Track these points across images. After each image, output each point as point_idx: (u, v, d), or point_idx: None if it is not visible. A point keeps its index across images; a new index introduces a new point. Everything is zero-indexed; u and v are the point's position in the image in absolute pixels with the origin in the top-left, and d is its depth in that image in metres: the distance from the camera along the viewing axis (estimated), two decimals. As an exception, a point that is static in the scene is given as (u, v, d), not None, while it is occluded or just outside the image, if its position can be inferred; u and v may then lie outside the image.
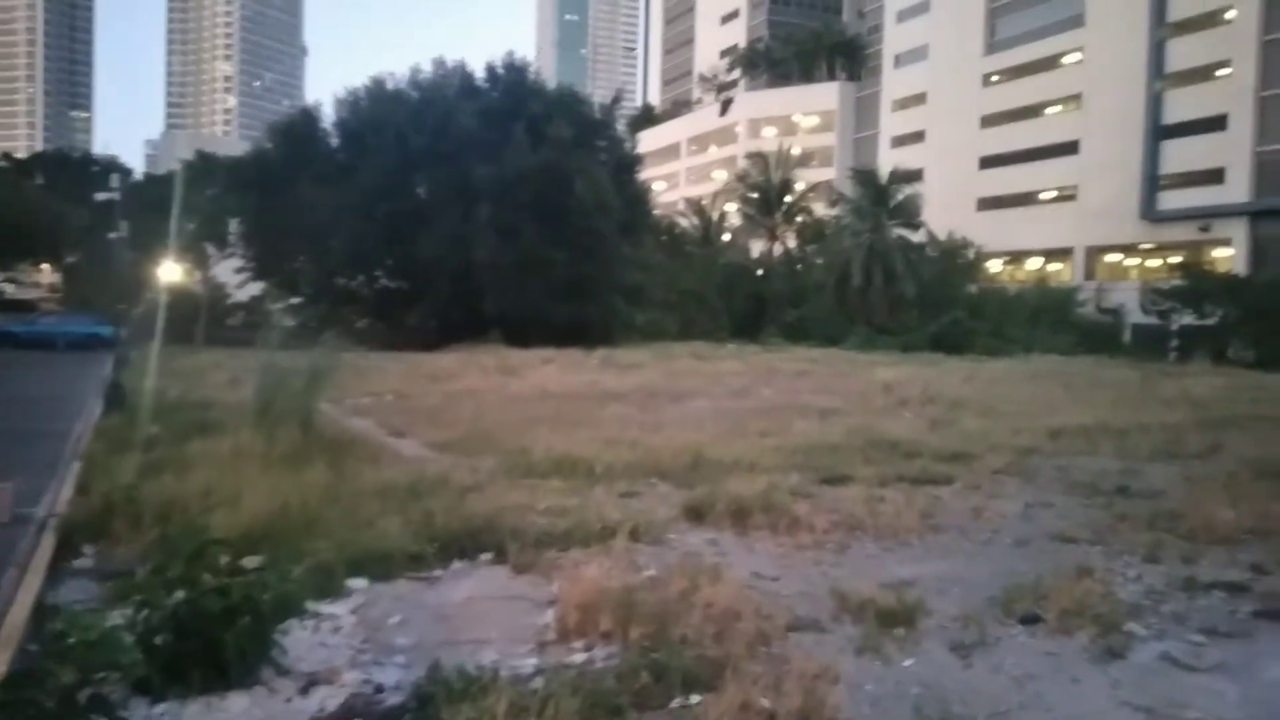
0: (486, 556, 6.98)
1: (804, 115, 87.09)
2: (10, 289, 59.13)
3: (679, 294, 44.93)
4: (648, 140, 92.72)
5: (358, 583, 6.26)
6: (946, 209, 56.58)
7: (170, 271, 39.89)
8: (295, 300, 42.62)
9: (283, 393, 12.09)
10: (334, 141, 42.10)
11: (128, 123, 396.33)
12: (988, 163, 66.30)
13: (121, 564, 6.40)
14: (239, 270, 45.28)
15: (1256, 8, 50.25)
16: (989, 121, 66.60)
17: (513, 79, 41.57)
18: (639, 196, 44.44)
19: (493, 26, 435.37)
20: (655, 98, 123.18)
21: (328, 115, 42.62)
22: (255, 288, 46.30)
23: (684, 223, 58.82)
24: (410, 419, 15.18)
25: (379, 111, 39.92)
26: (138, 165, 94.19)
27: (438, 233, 36.43)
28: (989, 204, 65.23)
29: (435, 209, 37.63)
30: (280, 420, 11.43)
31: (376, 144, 38.28)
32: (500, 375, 23.49)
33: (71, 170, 64.53)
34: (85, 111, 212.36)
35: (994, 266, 60.73)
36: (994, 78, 66.98)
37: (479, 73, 41.73)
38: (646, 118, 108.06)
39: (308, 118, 43.26)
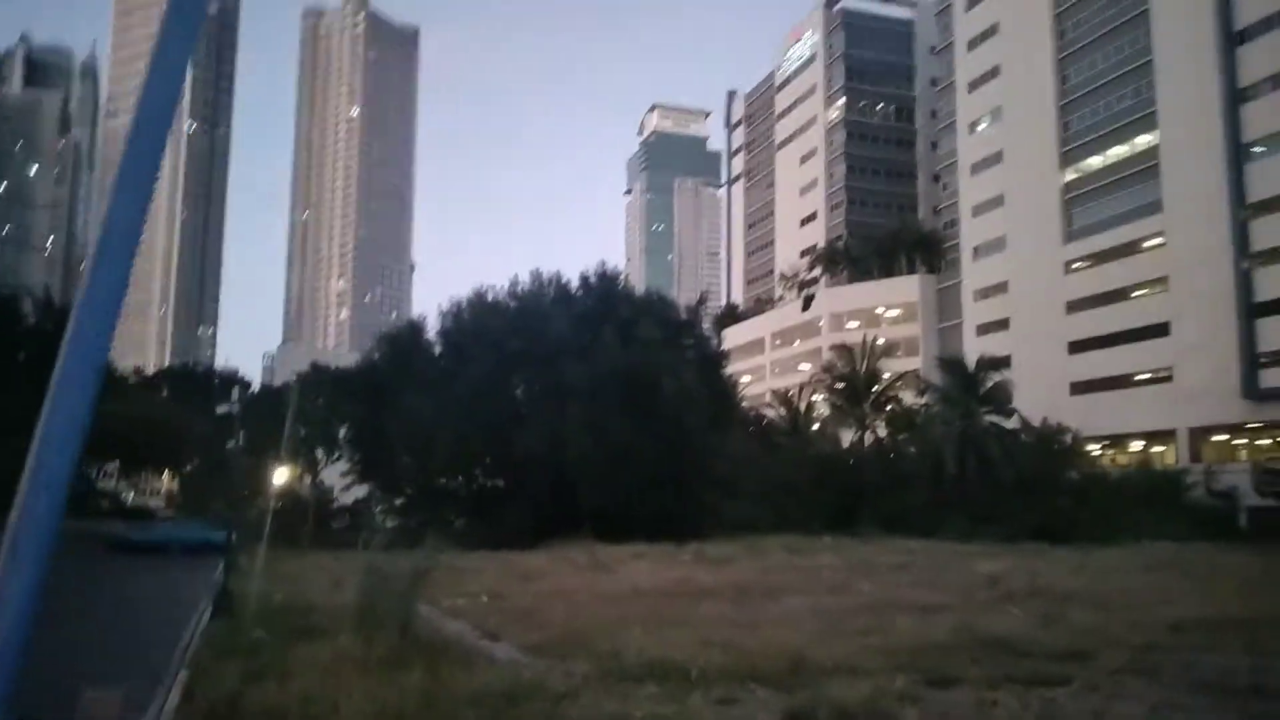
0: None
1: (886, 308, 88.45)
2: (131, 497, 62.32)
3: (770, 485, 44.64)
4: (733, 337, 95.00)
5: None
6: (1038, 394, 55.76)
7: (281, 477, 41.65)
8: (398, 501, 43.87)
9: (381, 596, 12.39)
10: (437, 349, 44.42)
11: (249, 337, 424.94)
12: (1077, 347, 65.65)
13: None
14: (345, 474, 47.05)
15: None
16: (1075, 307, 66.50)
17: (604, 286, 43.75)
18: (726, 390, 45.21)
19: (588, 238, 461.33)
20: (739, 296, 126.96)
21: (432, 325, 45.35)
22: (361, 490, 47.90)
23: (771, 414, 59.15)
24: (504, 620, 15.22)
25: (479, 320, 42.22)
26: (256, 377, 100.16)
27: (533, 431, 37.48)
28: (1082, 388, 64.05)
29: (531, 409, 38.94)
30: (379, 624, 11.68)
31: (477, 351, 40.24)
32: (592, 572, 23.42)
33: (195, 383, 69.05)
34: (210, 327, 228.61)
35: (1093, 450, 58.90)
36: (1075, 264, 67.36)
37: (573, 281, 44.12)
38: (731, 315, 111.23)
39: (413, 328, 45.98)
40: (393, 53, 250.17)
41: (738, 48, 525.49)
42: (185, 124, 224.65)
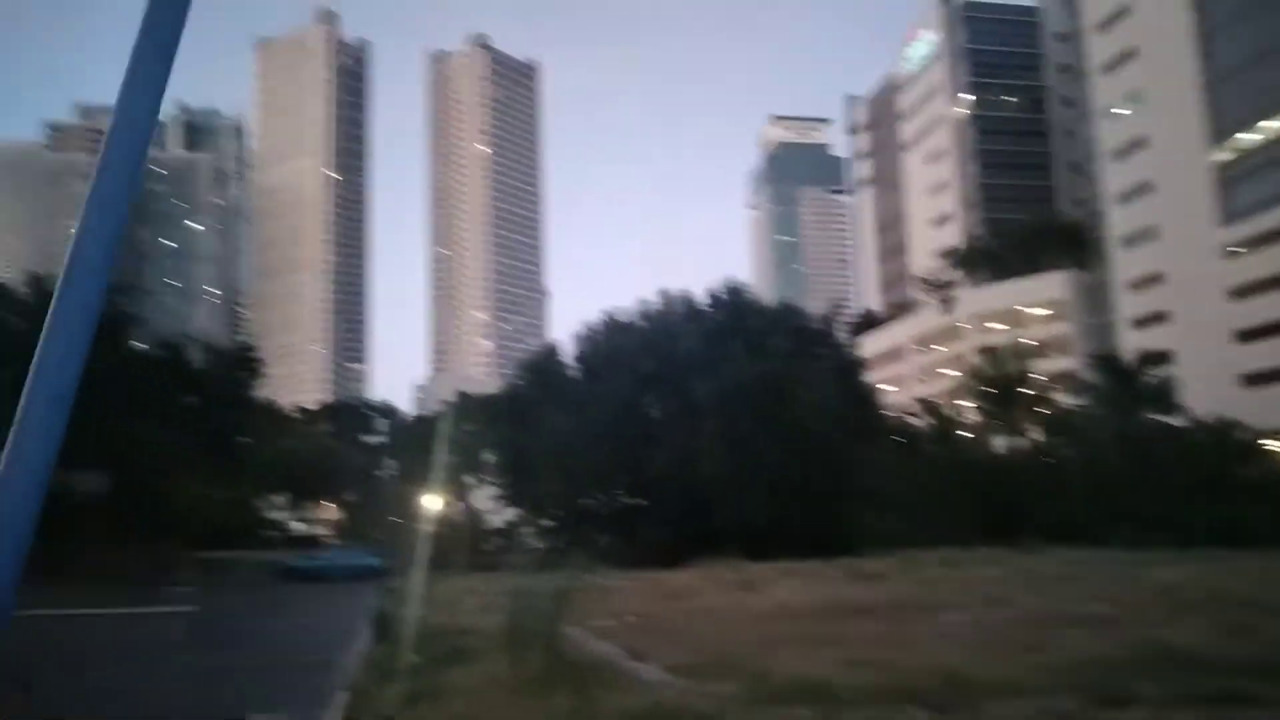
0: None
1: (1031, 307, 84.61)
2: (298, 526, 65.88)
3: (920, 497, 43.18)
4: (871, 344, 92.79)
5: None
6: (1203, 389, 52.03)
7: (434, 503, 43.24)
8: (545, 522, 44.78)
9: (529, 618, 12.56)
10: (574, 373, 45.29)
11: (398, 370, 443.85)
12: (1247, 336, 61.00)
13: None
14: (495, 498, 48.45)
15: None
16: (1239, 293, 61.86)
17: (732, 300, 43.65)
18: (866, 399, 44.23)
19: (713, 254, 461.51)
20: (873, 303, 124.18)
21: (569, 350, 46.33)
22: (511, 512, 49.18)
23: (917, 423, 57.33)
24: (650, 641, 15.14)
25: (612, 342, 42.83)
26: (406, 407, 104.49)
27: (667, 449, 37.59)
28: (1256, 380, 59.39)
29: (664, 428, 39.08)
30: (527, 645, 11.83)
31: (611, 372, 40.80)
32: (739, 591, 23.10)
33: (350, 417, 72.57)
34: (361, 363, 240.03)
35: (1271, 446, 54.37)
36: (1236, 248, 62.78)
37: (701, 298, 44.21)
38: (867, 323, 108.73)
39: (551, 353, 47.10)
40: (515, 89, 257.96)
41: (851, 52, 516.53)
42: (328, 173, 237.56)
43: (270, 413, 74.58)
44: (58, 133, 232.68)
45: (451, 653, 13.48)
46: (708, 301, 43.71)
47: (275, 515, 66.48)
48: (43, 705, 7.80)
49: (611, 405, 39.16)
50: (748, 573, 27.31)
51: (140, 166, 2.51)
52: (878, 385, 61.82)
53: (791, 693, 9.91)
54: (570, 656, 12.38)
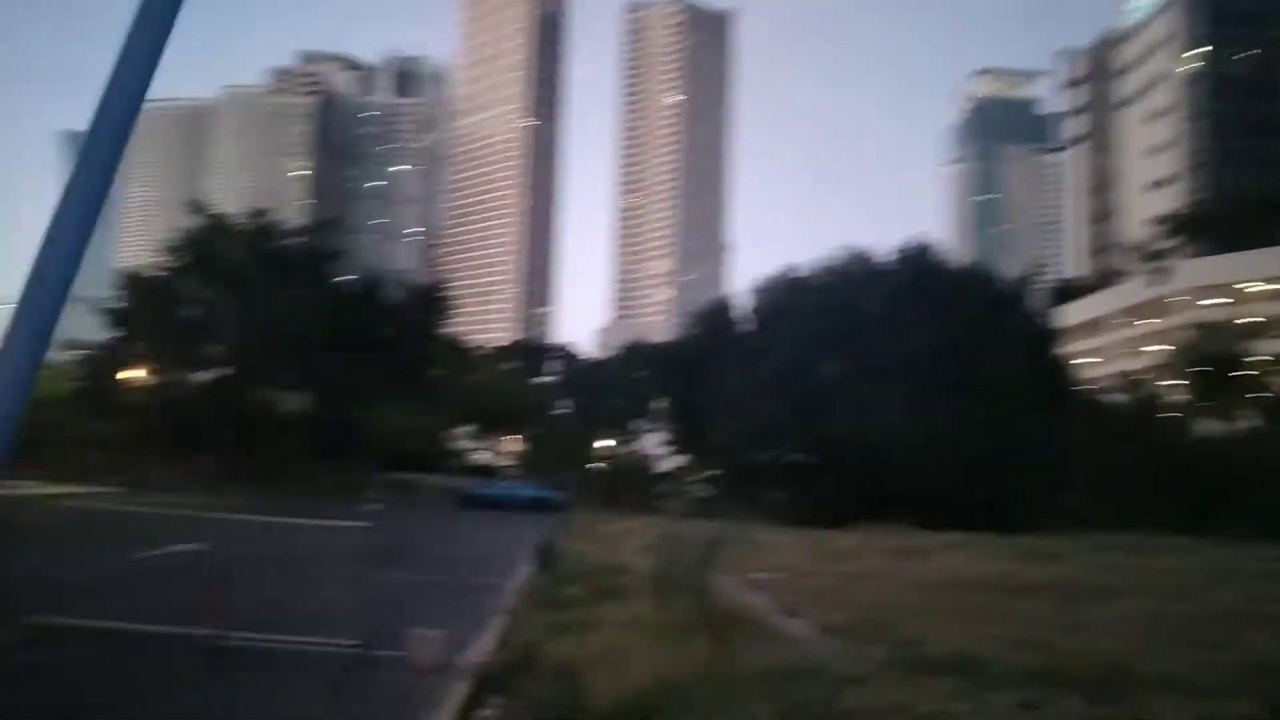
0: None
1: (1255, 282, 76.75)
2: (481, 457, 69.44)
3: (1112, 478, 40.55)
4: (1070, 314, 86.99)
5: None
6: None
7: (606, 444, 44.67)
8: (712, 472, 45.20)
9: (680, 564, 12.72)
10: (747, 327, 45.04)
11: (582, 314, 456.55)
12: None
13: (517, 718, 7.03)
14: (665, 444, 49.34)
15: None
16: None
17: (917, 260, 41.92)
18: (1058, 372, 41.69)
19: (905, 212, 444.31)
20: (1078, 270, 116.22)
21: (746, 304, 46.04)
22: (679, 459, 49.99)
23: (1115, 399, 53.65)
24: (805, 598, 15.06)
25: (788, 298, 42.19)
26: (587, 351, 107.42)
27: (843, 411, 36.89)
28: None
29: (839, 388, 38.29)
30: (676, 591, 12.00)
31: (785, 328, 40.28)
32: (903, 558, 22.57)
33: (534, 356, 75.39)
34: (548, 306, 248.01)
35: None
36: None
37: (884, 256, 42.70)
38: (1069, 290, 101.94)
39: (724, 306, 47.03)
40: (709, 38, 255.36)
41: (1066, 2, 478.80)
42: (524, 120, 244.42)
43: (460, 348, 78.56)
44: (280, 77, 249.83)
45: (605, 589, 13.89)
46: (890, 260, 42.23)
47: (461, 445, 70.33)
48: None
49: (784, 361, 38.71)
50: (916, 540, 26.65)
51: (128, 134, 2.59)
52: (1075, 357, 58.16)
53: (941, 664, 9.61)
54: (718, 605, 12.49)
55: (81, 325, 68.21)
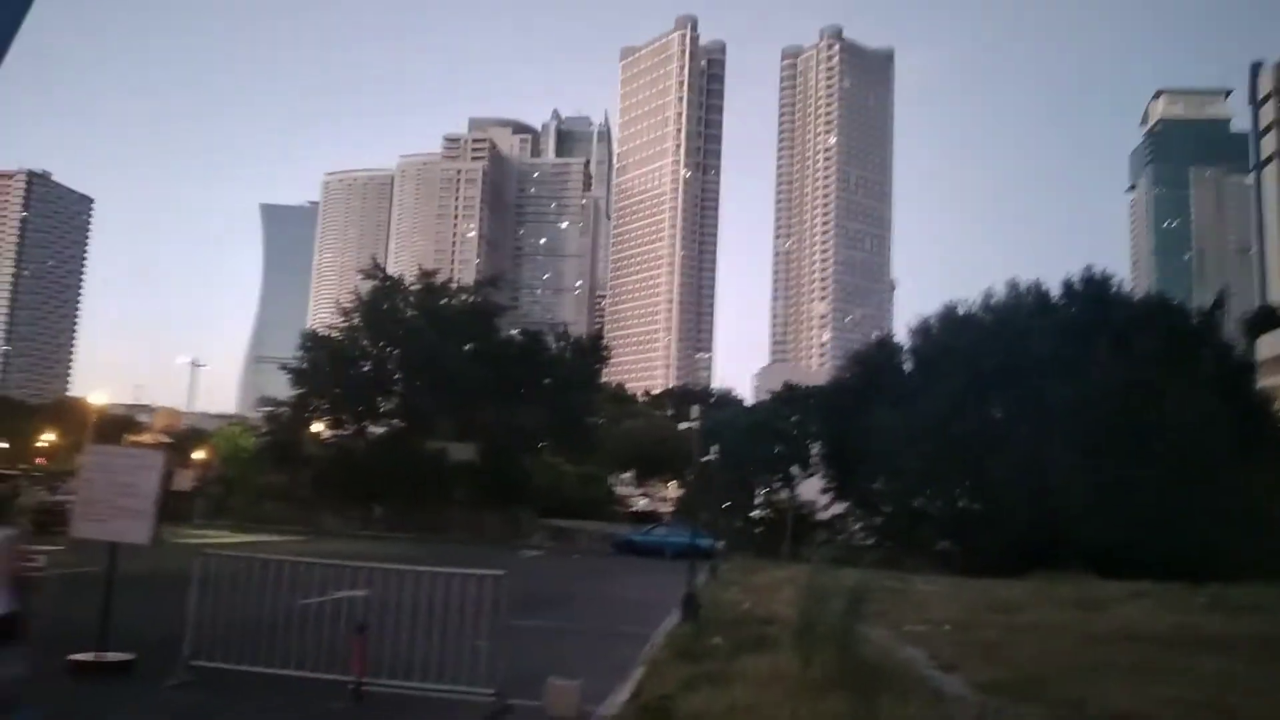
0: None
1: None
2: (642, 503, 69.96)
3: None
4: (1270, 345, 79.86)
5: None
6: None
7: (763, 490, 44.08)
8: (875, 520, 43.74)
9: (825, 615, 12.30)
10: (907, 368, 43.64)
11: (742, 359, 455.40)
12: None
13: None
14: (823, 490, 48.19)
15: None
16: None
17: (1092, 293, 39.60)
18: (1256, 409, 38.17)
19: (1083, 243, 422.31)
20: (1278, 296, 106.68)
21: (905, 343, 44.75)
22: (838, 506, 48.67)
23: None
24: (964, 652, 14.26)
25: (949, 336, 40.65)
26: (745, 395, 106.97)
27: (1011, 454, 35.01)
28: None
29: (1008, 430, 36.42)
30: (821, 643, 11.60)
31: (947, 368, 38.76)
32: (1077, 610, 21.03)
33: (691, 401, 75.69)
34: (707, 353, 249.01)
35: None
36: None
37: (1055, 289, 40.57)
38: (1267, 319, 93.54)
39: (883, 346, 45.84)
40: (867, 78, 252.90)
41: (1256, 16, 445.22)
42: (682, 172, 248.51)
43: (620, 396, 79.87)
44: (451, 143, 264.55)
45: (750, 640, 13.60)
46: (1061, 294, 40.00)
47: (620, 490, 71.10)
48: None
49: (947, 403, 37.18)
50: (1092, 590, 24.87)
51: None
52: (1277, 391, 53.20)
53: (1101, 728, 8.88)
54: (866, 659, 11.99)
55: (270, 383, 73.87)
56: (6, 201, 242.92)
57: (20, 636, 6.56)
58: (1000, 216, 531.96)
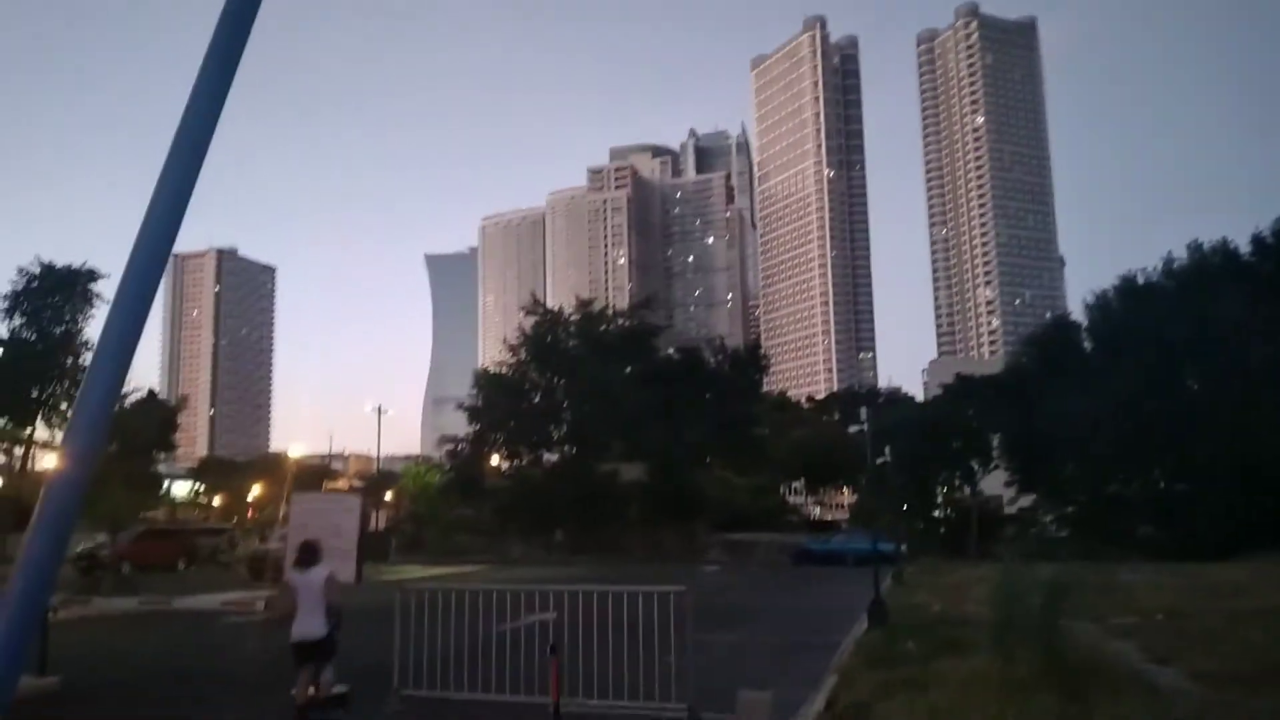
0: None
1: None
2: (815, 511, 68.96)
3: None
4: None
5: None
6: None
7: (943, 488, 42.59)
8: (1067, 509, 41.56)
9: (1024, 612, 11.80)
10: (1087, 346, 41.30)
11: (907, 355, 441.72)
12: None
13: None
14: (1008, 483, 46.13)
15: None
16: None
17: (1286, 246, 36.34)
18: None
19: (1270, 193, 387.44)
20: None
21: (1082, 321, 42.35)
22: (1026, 499, 46.46)
23: None
24: (1179, 643, 13.38)
25: (1131, 309, 38.21)
26: (917, 392, 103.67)
27: (1213, 428, 32.49)
28: None
29: (1208, 402, 33.82)
30: (1022, 641, 11.14)
31: (1131, 343, 36.41)
32: (1302, 592, 19.30)
33: (856, 404, 74.07)
34: (869, 352, 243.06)
35: None
36: None
37: (1243, 246, 37.40)
38: None
39: (1058, 327, 43.60)
40: (1010, 51, 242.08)
41: None
42: (825, 171, 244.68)
43: (783, 404, 79.02)
44: (595, 174, 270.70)
45: (945, 643, 13.21)
46: (1251, 249, 36.77)
47: (794, 500, 70.26)
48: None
49: (1134, 380, 34.85)
50: (1319, 570, 22.73)
51: (158, 275, 2.68)
52: None
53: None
54: (1071, 656, 11.42)
55: (450, 422, 77.26)
56: (201, 278, 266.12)
57: (334, 653, 9.30)
58: (1170, 176, 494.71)
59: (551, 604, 10.42)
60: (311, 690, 9.36)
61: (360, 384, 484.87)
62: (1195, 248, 38.65)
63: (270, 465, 77.89)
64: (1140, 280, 39.08)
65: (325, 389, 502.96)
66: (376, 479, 69.42)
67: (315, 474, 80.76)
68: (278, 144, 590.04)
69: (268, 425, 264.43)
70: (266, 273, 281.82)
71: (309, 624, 9.24)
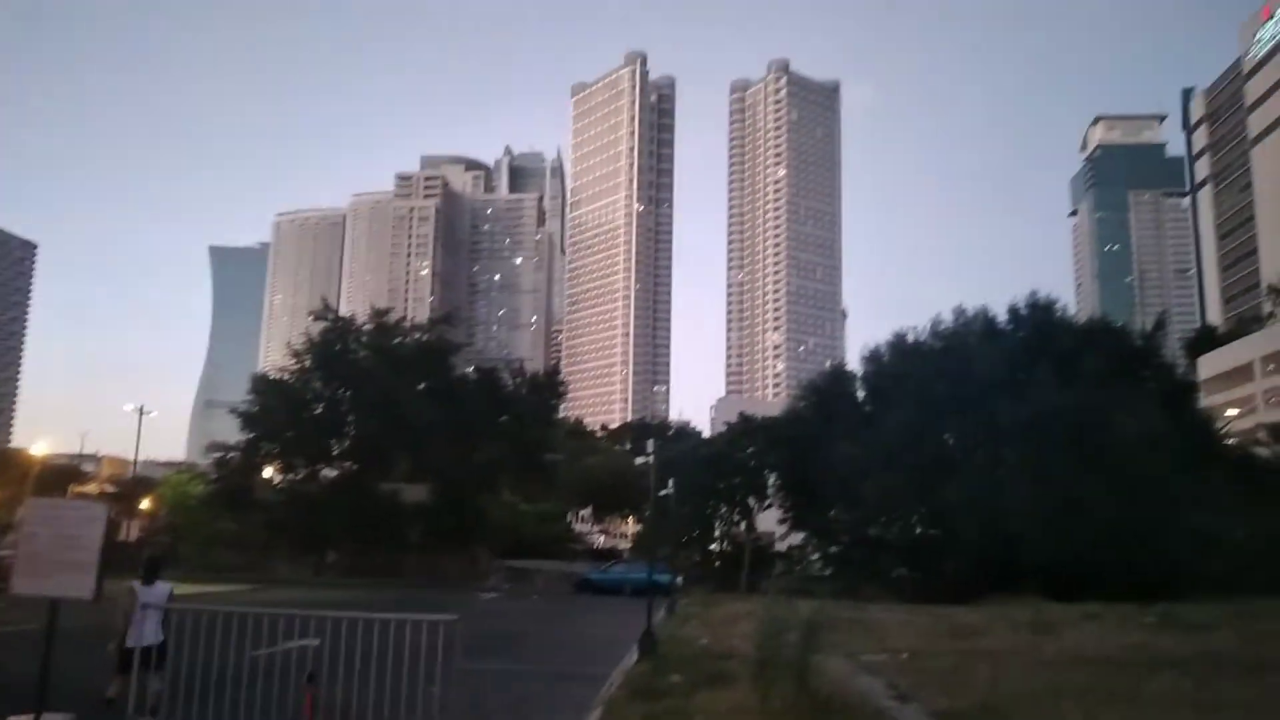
0: None
1: None
2: (599, 539, 69.57)
3: (1266, 539, 37.39)
4: (1210, 364, 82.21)
5: None
6: None
7: (719, 523, 44.02)
8: (833, 549, 43.84)
9: (781, 647, 12.31)
10: (860, 395, 44.06)
11: (699, 391, 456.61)
12: None
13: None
14: (781, 520, 48.22)
15: None
16: None
17: (1037, 317, 40.42)
18: (1199, 427, 39.12)
19: (1027, 269, 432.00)
20: (1215, 317, 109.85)
21: (857, 371, 45.18)
22: (796, 536, 48.72)
23: (1265, 454, 49.84)
24: (921, 680, 14.35)
25: (900, 363, 41.16)
26: (705, 428, 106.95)
27: (964, 479, 35.42)
28: None
29: (961, 455, 36.89)
30: (779, 675, 11.59)
31: (899, 395, 39.18)
32: (1031, 634, 21.26)
33: (648, 435, 75.58)
34: (664, 385, 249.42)
35: None
36: None
37: (1001, 315, 41.34)
38: (1206, 339, 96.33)
39: (836, 377, 46.25)
40: (814, 110, 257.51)
41: (1186, 41, 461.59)
42: (635, 205, 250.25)
43: (577, 431, 79.56)
44: (403, 181, 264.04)
45: (708, 676, 13.56)
46: (1006, 319, 40.79)
47: (580, 528, 70.67)
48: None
49: (900, 430, 37.57)
50: (1046, 613, 25.14)
51: None
52: (1217, 409, 54.62)
53: (1056, 754, 8.97)
54: (824, 690, 12.00)
55: (221, 428, 72.49)
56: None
57: (164, 662, 9.73)
58: (947, 244, 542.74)
59: (313, 630, 9.88)
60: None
61: (124, 379, 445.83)
62: (960, 312, 42.37)
63: (9, 462, 70.24)
64: (910, 338, 42.39)
65: (83, 382, 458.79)
66: (132, 485, 64.06)
67: (62, 475, 73.47)
68: (54, 113, 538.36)
69: (10, 417, 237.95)
70: (26, 248, 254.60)
71: (151, 631, 10.01)
